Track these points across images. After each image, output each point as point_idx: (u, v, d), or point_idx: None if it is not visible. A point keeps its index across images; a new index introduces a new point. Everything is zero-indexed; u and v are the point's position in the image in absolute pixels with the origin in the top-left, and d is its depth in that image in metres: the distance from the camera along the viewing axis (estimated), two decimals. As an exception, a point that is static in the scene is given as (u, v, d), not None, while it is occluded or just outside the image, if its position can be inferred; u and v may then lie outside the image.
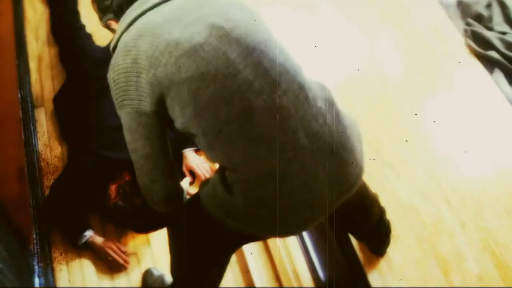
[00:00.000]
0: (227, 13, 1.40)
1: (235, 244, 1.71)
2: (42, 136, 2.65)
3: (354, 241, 2.22)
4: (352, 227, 2.06)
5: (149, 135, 1.38)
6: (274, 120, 1.34)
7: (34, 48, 3.02)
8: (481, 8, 3.19)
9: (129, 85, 1.37)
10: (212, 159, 1.43)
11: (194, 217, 1.58)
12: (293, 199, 1.39)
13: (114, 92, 1.42)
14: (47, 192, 2.42)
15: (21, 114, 2.61)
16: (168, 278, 2.20)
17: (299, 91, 1.38)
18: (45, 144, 2.63)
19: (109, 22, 1.59)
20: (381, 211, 2.04)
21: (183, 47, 1.32)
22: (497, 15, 3.16)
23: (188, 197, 1.64)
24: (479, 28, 3.08)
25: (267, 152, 1.35)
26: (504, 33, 3.07)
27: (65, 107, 2.66)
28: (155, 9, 1.42)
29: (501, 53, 2.95)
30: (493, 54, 2.94)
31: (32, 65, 2.94)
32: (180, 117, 1.35)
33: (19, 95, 2.69)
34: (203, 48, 1.32)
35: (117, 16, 1.53)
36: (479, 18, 3.16)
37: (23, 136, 2.52)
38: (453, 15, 3.21)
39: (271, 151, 1.35)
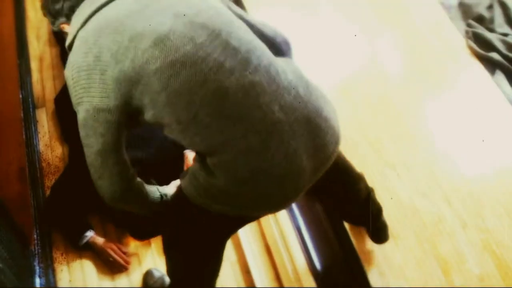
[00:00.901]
0: (187, 1, 1.41)
1: (227, 231, 1.69)
2: (43, 137, 2.65)
3: (355, 241, 2.23)
4: (340, 206, 2.08)
5: (104, 132, 1.37)
6: (248, 97, 1.35)
7: (35, 48, 3.02)
8: (482, 10, 3.19)
9: (91, 82, 1.34)
10: (188, 145, 1.41)
11: (180, 213, 1.58)
12: (275, 173, 1.40)
13: (73, 90, 1.39)
14: (48, 192, 2.42)
15: (22, 114, 2.61)
16: (168, 280, 2.20)
17: (269, 66, 1.40)
18: (46, 145, 2.63)
19: (62, 26, 1.57)
20: (368, 190, 2.04)
21: (148, 39, 1.31)
22: (498, 16, 3.16)
23: None
24: (480, 30, 3.08)
25: (244, 129, 1.35)
26: (505, 35, 3.07)
27: (66, 108, 2.66)
28: (111, 4, 1.40)
29: (503, 54, 2.95)
30: (494, 55, 2.94)
31: (34, 65, 2.94)
32: (151, 108, 1.35)
33: (20, 95, 2.70)
34: (168, 37, 1.31)
35: (69, 19, 1.51)
36: (480, 19, 3.16)
37: (24, 137, 2.52)
38: (454, 16, 3.21)
39: (249, 128, 1.35)
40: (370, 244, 2.26)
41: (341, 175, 1.80)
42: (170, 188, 1.68)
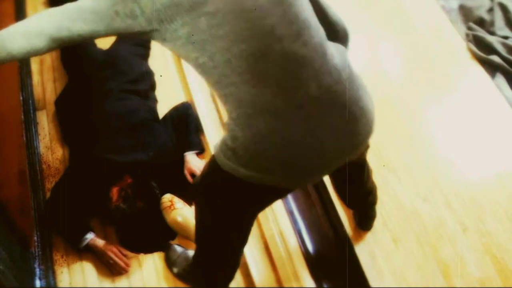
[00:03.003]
0: None
1: (254, 202, 1.66)
2: (43, 139, 2.65)
3: (355, 243, 2.22)
4: (343, 189, 2.13)
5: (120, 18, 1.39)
6: (287, 67, 1.37)
7: (36, 50, 3.02)
8: (483, 13, 3.19)
9: None
10: (215, 83, 1.43)
11: (211, 183, 1.63)
12: (296, 145, 1.43)
13: None
14: (48, 194, 2.42)
15: (22, 116, 2.61)
16: (191, 253, 2.22)
17: (319, 46, 1.42)
18: (46, 147, 2.63)
19: None
20: (373, 186, 2.13)
21: None
22: (499, 19, 3.16)
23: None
24: (481, 33, 3.08)
25: (274, 93, 1.38)
26: (506, 38, 3.07)
27: (66, 110, 2.66)
28: None
29: (503, 57, 2.95)
30: (495, 58, 2.94)
31: (34, 67, 2.94)
32: (184, 38, 1.37)
33: (21, 98, 2.70)
34: None
35: None
36: (481, 22, 3.17)
37: (24, 139, 2.52)
38: (455, 19, 3.22)
39: (279, 94, 1.38)
40: (371, 247, 2.26)
41: (358, 166, 1.90)
42: None
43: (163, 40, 1.42)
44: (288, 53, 1.37)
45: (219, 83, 1.42)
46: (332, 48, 1.48)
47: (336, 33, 1.61)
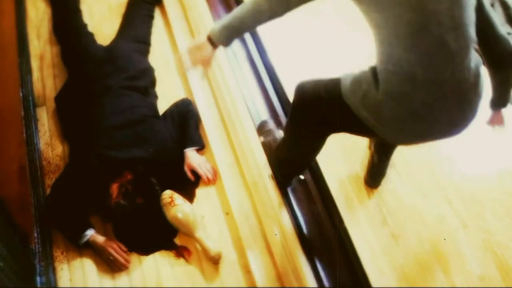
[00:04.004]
0: None
1: (346, 127, 1.96)
2: (43, 135, 2.65)
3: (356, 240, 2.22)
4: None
5: None
6: (437, 48, 1.61)
7: (36, 47, 3.02)
8: (483, 9, 3.18)
9: None
10: (379, 41, 1.70)
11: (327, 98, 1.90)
12: (415, 110, 1.68)
13: None
14: (48, 191, 2.42)
15: (22, 113, 2.61)
16: (279, 134, 2.49)
17: (465, 48, 1.65)
18: (46, 143, 2.63)
19: None
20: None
21: None
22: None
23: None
24: (481, 29, 3.08)
25: (419, 62, 1.62)
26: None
27: (66, 106, 2.66)
28: None
29: (504, 53, 2.95)
30: (495, 55, 2.94)
31: (34, 64, 2.94)
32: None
33: (21, 94, 2.70)
34: None
35: None
36: (481, 18, 3.16)
37: (24, 135, 2.52)
38: (455, 15, 3.21)
39: (422, 65, 1.62)
40: (371, 243, 2.26)
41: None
42: None
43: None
44: (441, 38, 1.59)
45: (382, 42, 1.68)
46: (473, 55, 1.69)
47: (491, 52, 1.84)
